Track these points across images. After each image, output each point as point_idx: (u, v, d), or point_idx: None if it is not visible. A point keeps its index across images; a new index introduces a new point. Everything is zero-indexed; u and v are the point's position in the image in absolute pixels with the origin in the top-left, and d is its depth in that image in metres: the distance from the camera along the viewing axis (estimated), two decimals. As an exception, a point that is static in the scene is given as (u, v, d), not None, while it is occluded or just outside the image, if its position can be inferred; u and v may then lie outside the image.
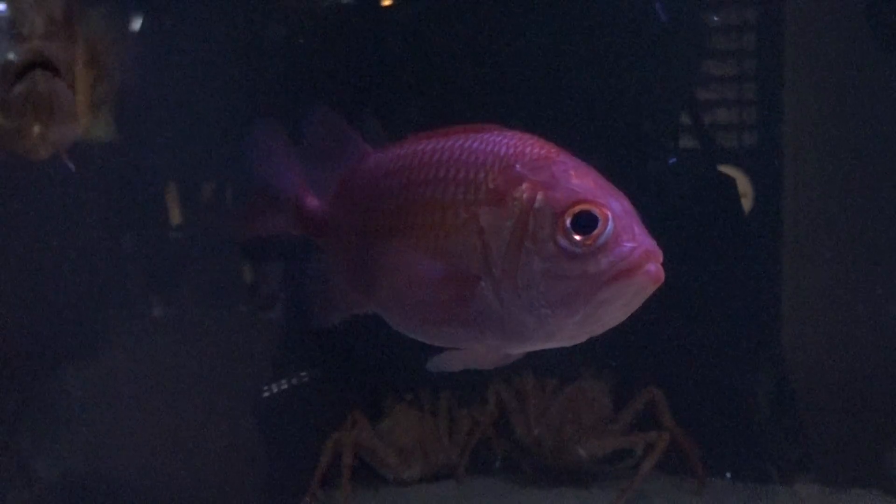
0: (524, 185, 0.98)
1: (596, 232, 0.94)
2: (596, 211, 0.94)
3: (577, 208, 0.94)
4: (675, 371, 2.49)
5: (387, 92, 2.45)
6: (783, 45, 2.41)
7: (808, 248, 2.42)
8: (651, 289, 0.94)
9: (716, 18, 2.45)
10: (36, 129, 1.41)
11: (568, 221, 0.94)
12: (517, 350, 1.04)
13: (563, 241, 0.94)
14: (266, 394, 2.40)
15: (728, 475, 2.48)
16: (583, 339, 1.01)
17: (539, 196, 0.96)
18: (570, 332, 0.99)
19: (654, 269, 0.93)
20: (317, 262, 1.22)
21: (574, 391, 2.53)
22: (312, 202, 1.21)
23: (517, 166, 0.99)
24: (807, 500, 2.36)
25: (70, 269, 2.05)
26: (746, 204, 2.45)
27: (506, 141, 1.02)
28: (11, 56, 1.41)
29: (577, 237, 0.94)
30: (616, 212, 0.95)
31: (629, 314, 0.97)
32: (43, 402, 1.96)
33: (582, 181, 0.97)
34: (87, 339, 2.07)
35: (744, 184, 2.45)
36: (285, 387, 2.38)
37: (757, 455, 2.47)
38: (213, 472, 2.26)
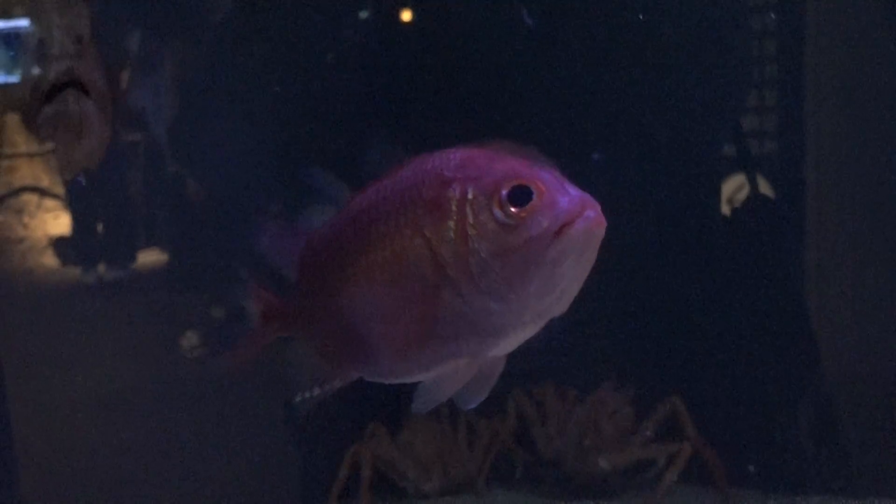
0: (455, 185, 1.02)
1: (533, 201, 0.98)
2: (527, 180, 0.99)
3: (508, 184, 0.99)
4: (701, 381, 2.47)
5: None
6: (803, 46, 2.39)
7: (837, 252, 2.40)
8: (596, 234, 0.97)
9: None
10: (63, 150, 1.40)
11: (504, 195, 0.99)
12: (498, 349, 1.05)
13: (501, 217, 0.99)
14: (285, 407, 2.39)
15: (751, 468, 2.46)
16: (554, 313, 1.02)
17: (470, 188, 1.01)
18: (537, 308, 1.01)
19: (594, 214, 0.97)
20: (292, 352, 1.23)
21: (594, 401, 2.51)
22: (276, 299, 1.23)
23: (444, 172, 1.04)
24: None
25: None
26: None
27: (432, 158, 1.07)
28: (38, 73, 1.40)
29: (514, 209, 0.99)
30: (545, 179, 0.99)
31: (585, 272, 1.00)
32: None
33: (506, 164, 1.02)
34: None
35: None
36: (305, 400, 2.37)
37: (784, 464, 2.45)
38: (234, 485, 2.26)
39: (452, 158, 1.05)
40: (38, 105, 1.36)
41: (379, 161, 1.95)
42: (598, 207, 0.97)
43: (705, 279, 2.49)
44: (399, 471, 2.51)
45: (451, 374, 1.07)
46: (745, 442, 2.47)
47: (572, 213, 0.97)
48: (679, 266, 2.47)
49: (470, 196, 1.01)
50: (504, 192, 0.99)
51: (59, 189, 2.22)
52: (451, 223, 1.01)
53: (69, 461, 2.06)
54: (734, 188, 2.44)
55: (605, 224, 0.97)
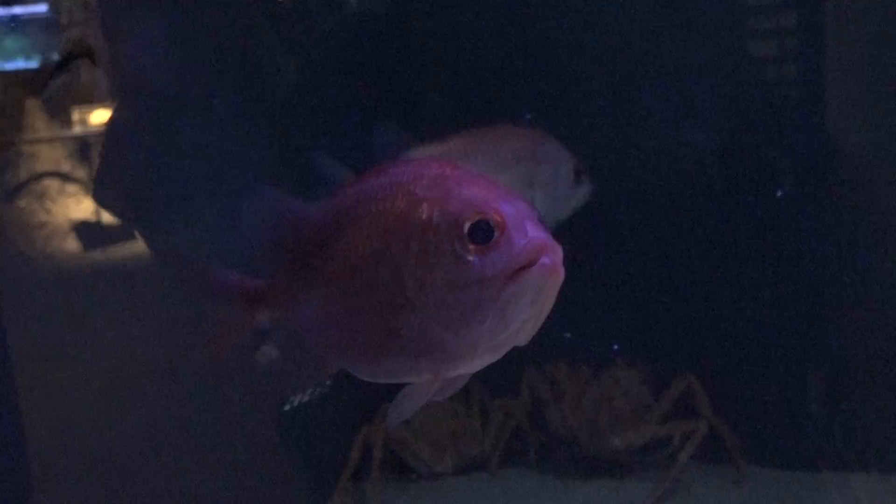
0: (423, 205, 1.02)
1: (493, 240, 0.97)
2: (490, 217, 0.97)
3: (474, 217, 0.98)
4: (718, 359, 2.45)
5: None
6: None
7: (855, 235, 2.37)
8: (552, 281, 0.97)
9: None
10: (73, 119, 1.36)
11: (465, 230, 0.98)
12: (453, 372, 1.06)
13: (460, 251, 0.98)
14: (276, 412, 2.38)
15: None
16: (507, 347, 1.03)
17: (436, 212, 1.01)
18: (489, 342, 1.01)
19: (549, 260, 0.96)
20: (282, 337, 1.23)
21: (608, 380, 2.49)
22: (257, 284, 1.24)
23: (416, 189, 1.03)
24: (857, 489, 2.31)
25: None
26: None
27: (407, 169, 1.06)
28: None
29: (473, 245, 0.98)
30: (508, 213, 0.98)
31: (543, 313, 1.00)
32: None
33: (475, 190, 1.00)
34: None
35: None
36: (293, 407, 2.37)
37: (800, 443, 2.43)
38: (246, 466, 2.25)
39: (426, 174, 1.04)
40: (47, 77, 1.31)
41: (388, 144, 1.94)
42: (559, 253, 0.96)
43: (719, 254, 2.47)
44: (411, 451, 2.50)
45: (414, 389, 1.08)
46: (760, 418, 2.45)
47: (527, 258, 0.96)
48: (693, 242, 2.45)
49: (435, 221, 1.00)
50: (466, 226, 0.98)
51: (81, 173, 2.21)
52: (415, 245, 1.01)
53: (91, 448, 2.06)
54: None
55: (561, 273, 0.96)
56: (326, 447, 2.45)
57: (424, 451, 2.51)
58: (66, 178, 2.17)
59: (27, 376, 1.87)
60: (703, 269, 2.45)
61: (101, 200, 2.07)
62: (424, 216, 1.01)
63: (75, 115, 1.37)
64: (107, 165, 1.98)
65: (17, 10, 1.42)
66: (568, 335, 2.33)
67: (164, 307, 2.13)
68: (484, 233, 0.98)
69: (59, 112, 1.33)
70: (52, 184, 2.20)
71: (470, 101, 2.51)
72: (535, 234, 0.97)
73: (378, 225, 1.05)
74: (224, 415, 2.25)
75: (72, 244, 2.26)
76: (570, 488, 2.46)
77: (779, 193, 2.37)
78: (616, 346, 2.49)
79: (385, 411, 2.47)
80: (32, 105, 1.57)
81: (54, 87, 1.31)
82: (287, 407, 2.18)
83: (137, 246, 2.20)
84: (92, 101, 1.35)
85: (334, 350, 1.16)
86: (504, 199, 1.00)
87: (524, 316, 0.99)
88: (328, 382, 2.32)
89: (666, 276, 2.48)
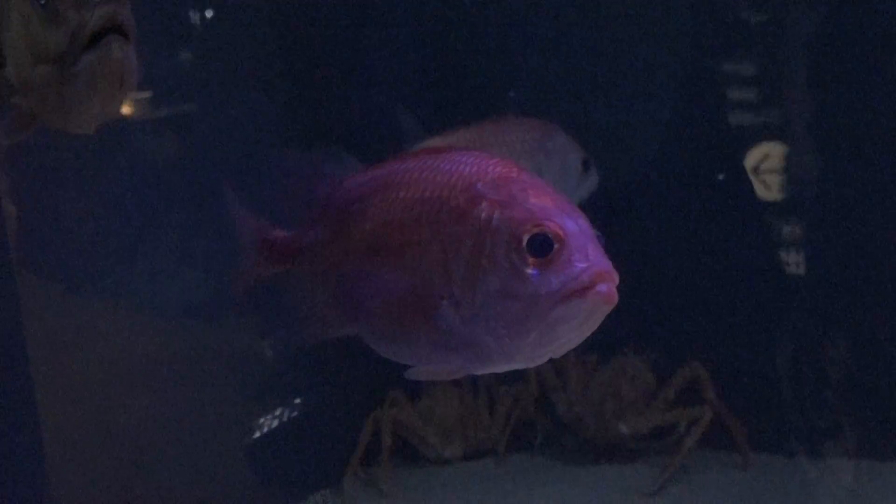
0: (483, 204, 0.99)
1: (550, 254, 0.95)
2: (552, 232, 0.95)
3: (534, 229, 0.95)
4: (726, 347, 2.46)
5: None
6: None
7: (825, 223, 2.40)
8: (604, 309, 0.94)
9: None
10: (99, 102, 1.31)
11: (524, 241, 0.95)
12: (481, 371, 1.05)
13: (517, 262, 0.96)
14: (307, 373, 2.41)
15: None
16: (544, 359, 1.01)
17: (496, 215, 0.98)
18: (528, 353, 0.99)
19: (606, 289, 0.93)
20: (295, 288, 1.23)
21: (615, 367, 2.50)
22: (280, 234, 1.24)
23: (478, 185, 1.00)
24: (859, 477, 2.33)
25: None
26: (777, 177, 2.42)
27: (470, 160, 1.04)
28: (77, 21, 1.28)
29: (531, 258, 0.95)
30: (572, 232, 0.95)
31: (588, 334, 0.98)
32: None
33: (540, 201, 0.98)
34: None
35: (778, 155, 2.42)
36: (325, 365, 2.39)
37: (803, 431, 2.44)
38: (257, 449, 2.27)
39: (490, 171, 1.02)
40: (77, 53, 1.26)
41: (413, 129, 1.95)
42: (615, 280, 0.94)
43: (725, 243, 2.48)
44: (420, 436, 2.52)
45: (434, 372, 1.07)
46: (766, 406, 2.46)
47: (585, 283, 0.93)
48: (698, 230, 2.47)
49: (494, 224, 0.98)
50: (526, 238, 0.95)
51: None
52: (469, 242, 0.99)
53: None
54: (759, 157, 2.42)
55: (615, 301, 0.94)
56: (337, 432, 2.48)
57: (433, 437, 2.53)
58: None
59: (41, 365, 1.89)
60: (711, 258, 2.46)
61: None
62: (484, 216, 0.98)
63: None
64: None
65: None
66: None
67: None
68: (542, 246, 0.95)
69: (89, 89, 1.29)
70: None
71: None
72: (596, 258, 0.95)
73: (429, 209, 1.03)
74: (233, 399, 2.27)
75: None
76: (577, 474, 2.48)
77: (720, 177, 2.36)
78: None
79: (394, 398, 2.49)
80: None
81: (86, 64, 1.26)
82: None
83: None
84: (123, 78, 1.30)
85: (346, 315, 1.15)
86: (567, 213, 0.97)
87: (569, 336, 0.97)
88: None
89: (676, 265, 2.49)
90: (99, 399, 2.03)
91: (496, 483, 2.46)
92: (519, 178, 1.01)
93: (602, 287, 0.93)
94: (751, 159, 2.42)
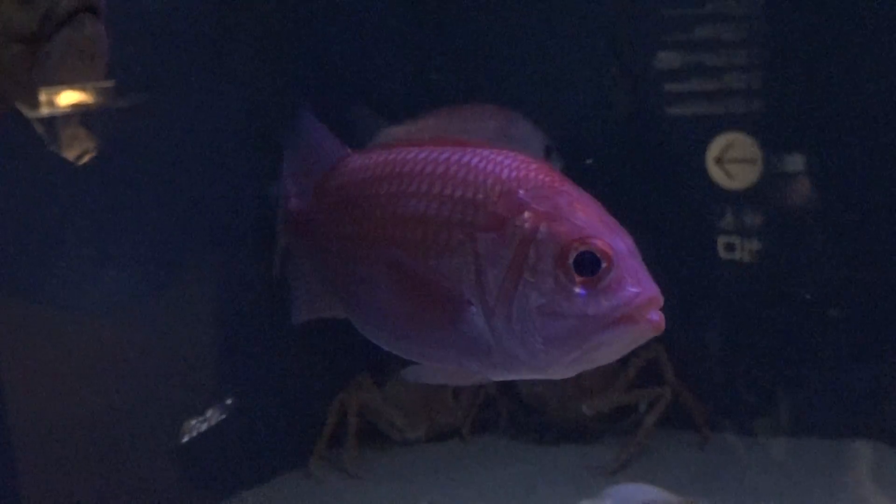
0: (527, 214, 0.93)
1: (599, 273, 0.90)
2: (601, 251, 0.90)
3: (582, 246, 0.90)
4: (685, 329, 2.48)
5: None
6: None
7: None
8: (650, 336, 0.91)
9: None
10: (75, 78, 1.29)
11: (571, 258, 0.90)
12: (499, 378, 1.01)
13: (563, 279, 0.90)
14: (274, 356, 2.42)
15: None
16: (571, 374, 0.97)
17: (542, 227, 0.92)
18: (561, 370, 0.95)
19: (657, 317, 0.90)
20: (297, 260, 1.20)
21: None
22: (294, 203, 1.19)
23: (520, 192, 0.94)
24: (817, 455, 2.36)
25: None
26: (755, 171, 2.44)
27: (507, 162, 0.97)
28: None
29: (579, 277, 0.90)
30: (621, 252, 0.91)
31: (622, 355, 0.94)
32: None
33: (587, 216, 0.93)
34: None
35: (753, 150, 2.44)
36: (293, 349, 2.40)
37: (765, 410, 2.48)
38: (224, 429, 2.28)
39: (531, 177, 0.95)
40: (50, 32, 1.23)
41: (365, 123, 1.93)
42: (662, 305, 0.90)
43: (682, 229, 2.51)
44: (385, 420, 2.54)
45: (443, 372, 1.02)
46: (728, 386, 2.50)
47: (636, 309, 0.89)
48: (655, 214, 2.49)
49: (539, 237, 0.92)
50: (573, 254, 0.90)
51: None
52: (509, 252, 0.93)
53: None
54: (723, 146, 2.44)
55: (663, 329, 0.89)
56: (304, 415, 2.49)
57: (398, 419, 2.55)
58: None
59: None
60: (670, 240, 2.48)
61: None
62: (528, 227, 0.92)
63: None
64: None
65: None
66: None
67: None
68: (589, 265, 0.90)
69: (62, 69, 1.26)
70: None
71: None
72: (646, 283, 0.90)
73: (461, 210, 0.96)
74: (197, 382, 2.28)
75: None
76: (540, 454, 2.51)
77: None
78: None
79: (360, 382, 2.51)
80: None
81: (59, 43, 1.24)
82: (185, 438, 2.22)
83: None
84: (95, 56, 1.27)
85: (336, 298, 1.10)
86: (615, 231, 0.92)
87: (607, 357, 0.93)
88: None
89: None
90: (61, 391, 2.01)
91: (461, 464, 2.48)
92: (564, 188, 0.95)
93: (653, 315, 0.89)
94: (714, 149, 2.45)
